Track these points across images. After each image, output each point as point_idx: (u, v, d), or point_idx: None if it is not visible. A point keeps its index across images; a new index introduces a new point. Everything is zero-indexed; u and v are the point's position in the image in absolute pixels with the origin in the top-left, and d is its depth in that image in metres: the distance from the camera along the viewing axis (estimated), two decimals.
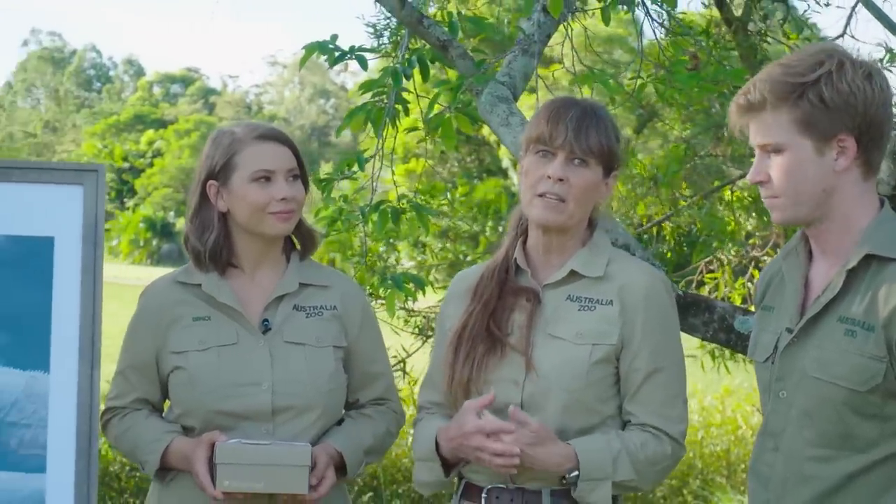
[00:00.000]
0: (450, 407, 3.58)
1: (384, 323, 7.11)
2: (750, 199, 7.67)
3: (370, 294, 6.44)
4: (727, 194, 7.82)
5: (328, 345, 3.76)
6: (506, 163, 24.25)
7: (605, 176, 3.46)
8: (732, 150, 7.88)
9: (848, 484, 2.89)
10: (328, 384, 3.73)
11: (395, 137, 5.85)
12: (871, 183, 2.98)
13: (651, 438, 3.39)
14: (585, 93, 6.39)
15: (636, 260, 3.64)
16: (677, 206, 7.96)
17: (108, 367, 3.87)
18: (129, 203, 64.41)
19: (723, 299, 7.14)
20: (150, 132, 70.79)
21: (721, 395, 12.10)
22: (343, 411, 3.88)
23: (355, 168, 5.56)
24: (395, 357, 7.66)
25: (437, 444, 3.53)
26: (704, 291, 7.80)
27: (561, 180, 3.38)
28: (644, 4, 5.57)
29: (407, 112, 5.69)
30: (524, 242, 3.57)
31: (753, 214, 7.81)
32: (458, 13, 5.97)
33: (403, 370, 7.65)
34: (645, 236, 7.83)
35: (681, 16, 6.65)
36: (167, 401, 3.86)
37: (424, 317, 7.97)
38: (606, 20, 5.17)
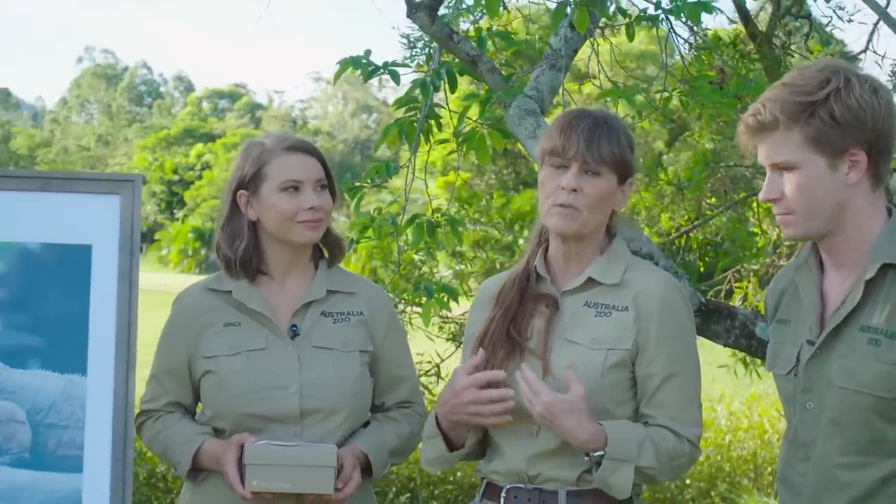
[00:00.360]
0: None
1: (419, 329, 7.13)
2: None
3: (405, 301, 6.45)
4: (753, 205, 7.79)
5: (354, 349, 3.77)
6: None
7: (619, 184, 3.45)
8: (755, 160, 7.84)
9: (881, 488, 2.88)
10: (354, 387, 3.74)
11: (428, 152, 5.86)
12: (880, 193, 2.97)
13: (671, 435, 3.38)
14: (613, 107, 6.40)
15: (653, 268, 3.63)
16: (703, 215, 7.94)
17: (148, 372, 3.90)
18: (179, 214, 64.66)
19: (751, 308, 7.11)
20: (199, 146, 71.05)
21: (748, 401, 12.06)
22: (369, 414, 3.88)
23: (384, 176, 5.57)
24: (429, 362, 7.68)
25: (438, 421, 3.54)
26: (734, 301, 7.78)
27: (574, 190, 3.38)
28: (668, 20, 5.55)
29: (440, 127, 5.70)
30: (545, 252, 3.57)
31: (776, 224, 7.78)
32: (488, 29, 5.98)
33: (438, 374, 7.66)
34: (673, 247, 7.81)
35: (709, 31, 6.65)
36: (199, 404, 3.87)
37: (458, 323, 7.98)
38: (631, 36, 5.16)
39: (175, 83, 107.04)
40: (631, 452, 3.30)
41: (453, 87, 5.45)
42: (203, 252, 57.52)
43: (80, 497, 3.38)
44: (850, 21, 7.54)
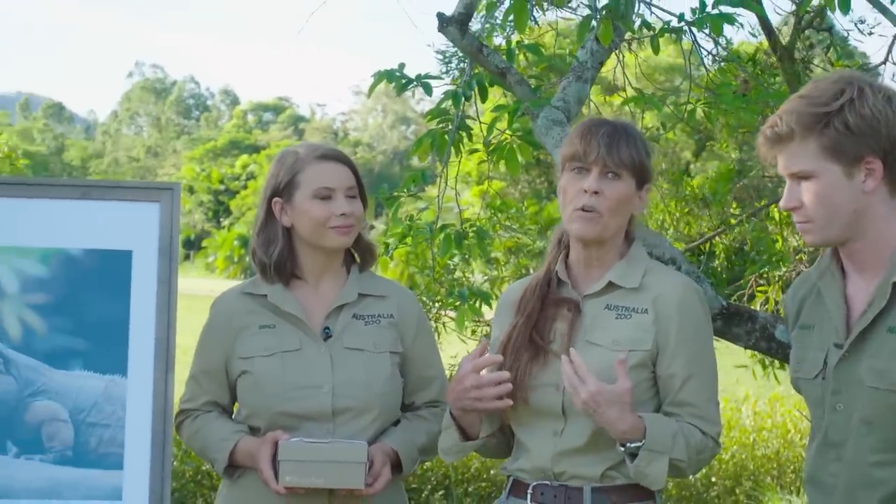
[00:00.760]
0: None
1: (452, 332, 7.13)
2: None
3: (441, 304, 6.44)
4: (775, 212, 7.76)
5: (385, 350, 3.77)
6: None
7: (637, 188, 3.45)
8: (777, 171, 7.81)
9: None
10: (384, 387, 3.74)
11: (458, 163, 5.86)
12: None
13: (696, 430, 3.37)
14: (639, 116, 6.38)
15: (671, 271, 3.62)
16: (727, 223, 7.92)
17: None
18: (225, 222, 64.80)
19: (773, 313, 7.08)
20: (245, 157, 71.20)
21: (771, 401, 12.03)
22: (399, 413, 3.87)
23: (420, 184, 5.58)
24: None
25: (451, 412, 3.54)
26: (755, 305, 7.75)
27: (596, 193, 3.37)
28: (691, 33, 5.53)
29: (470, 138, 5.70)
30: (566, 257, 3.56)
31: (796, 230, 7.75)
32: (518, 43, 5.98)
33: None
34: (701, 256, 7.79)
35: (735, 45, 6.63)
36: (235, 403, 3.88)
37: (490, 325, 7.97)
38: (656, 49, 5.15)
39: (221, 96, 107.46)
40: (666, 444, 3.29)
41: (483, 96, 5.45)
42: (248, 259, 57.61)
43: (120, 493, 3.40)
44: (870, 34, 7.51)
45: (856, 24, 7.62)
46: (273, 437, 3.61)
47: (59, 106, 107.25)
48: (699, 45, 5.92)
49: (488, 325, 8.07)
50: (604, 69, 6.11)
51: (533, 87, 5.41)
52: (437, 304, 6.89)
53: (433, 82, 5.47)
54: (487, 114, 5.85)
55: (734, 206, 8.21)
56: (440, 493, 10.43)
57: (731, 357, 6.96)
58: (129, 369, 3.44)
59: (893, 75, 7.03)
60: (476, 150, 5.92)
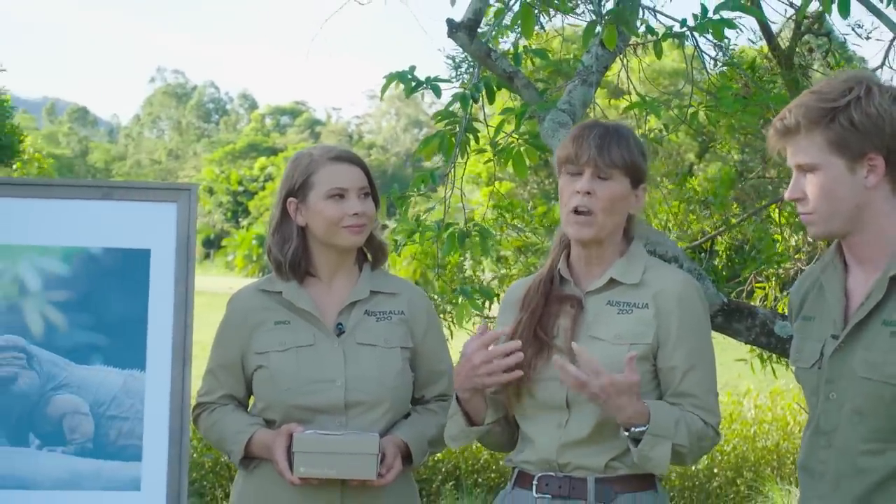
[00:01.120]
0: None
1: (462, 329, 7.11)
2: (796, 216, 7.59)
3: (450, 301, 6.43)
4: (775, 213, 7.74)
5: (396, 346, 3.77)
6: None
7: (633, 188, 3.44)
8: (779, 170, 7.81)
9: None
10: (395, 381, 3.74)
11: (465, 164, 5.85)
12: None
13: (697, 418, 3.37)
14: (642, 120, 6.36)
15: (670, 268, 3.61)
16: (729, 223, 7.90)
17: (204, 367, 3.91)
18: (244, 222, 64.83)
19: (772, 309, 7.07)
20: (263, 159, 71.18)
21: (772, 395, 12.02)
22: (410, 406, 3.87)
23: (430, 184, 5.57)
24: None
25: (458, 398, 3.53)
26: (755, 301, 7.73)
27: (588, 193, 3.38)
28: (694, 38, 5.52)
29: (477, 140, 5.69)
30: (568, 256, 3.56)
31: (801, 232, 7.74)
32: (525, 48, 5.97)
33: None
34: (701, 254, 7.77)
35: (735, 49, 6.61)
36: (251, 397, 3.87)
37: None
38: (658, 53, 5.14)
39: (240, 101, 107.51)
40: (669, 430, 3.29)
41: (491, 98, 5.44)
42: (265, 257, 57.60)
43: (139, 484, 3.40)
44: (867, 38, 7.48)
45: (853, 29, 7.60)
46: (288, 430, 3.61)
47: (84, 110, 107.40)
48: (701, 50, 5.91)
49: (494, 320, 8.08)
50: (609, 73, 6.10)
51: (539, 90, 5.40)
52: (448, 302, 6.88)
53: (442, 85, 5.46)
54: (496, 117, 5.85)
55: (735, 207, 8.19)
56: (450, 483, 10.43)
57: (731, 352, 6.94)
58: (148, 364, 3.44)
59: (891, 78, 6.99)
60: (483, 151, 5.91)
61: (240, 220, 65.95)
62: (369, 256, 3.91)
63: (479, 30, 5.40)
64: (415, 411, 3.86)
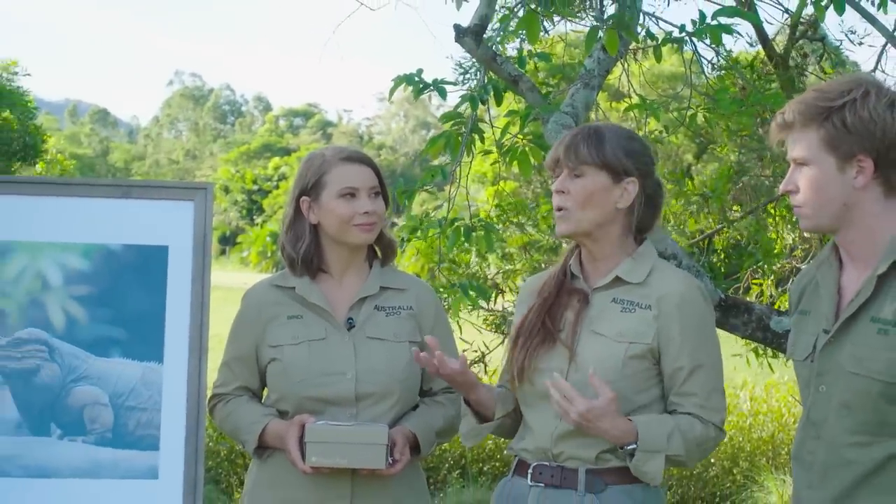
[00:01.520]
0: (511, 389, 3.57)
1: (469, 323, 7.09)
2: (792, 215, 7.58)
3: (443, 293, 6.43)
4: (772, 211, 7.74)
5: (405, 340, 3.75)
6: None
7: (614, 182, 3.41)
8: (774, 168, 7.80)
9: (885, 465, 2.84)
10: (404, 374, 3.73)
11: (471, 163, 5.85)
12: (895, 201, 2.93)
13: (697, 422, 3.34)
14: (642, 121, 6.36)
15: (676, 270, 3.56)
16: (727, 221, 7.90)
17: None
18: (258, 220, 64.83)
19: (768, 305, 7.07)
20: (276, 159, 71.17)
21: (767, 388, 12.02)
22: (418, 398, 3.86)
23: (439, 180, 5.57)
24: (476, 352, 7.66)
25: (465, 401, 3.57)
26: (751, 297, 7.72)
27: (562, 192, 3.40)
28: (692, 43, 5.51)
29: (483, 140, 5.69)
30: (580, 254, 3.55)
31: (797, 231, 7.74)
32: (529, 51, 5.97)
33: (483, 363, 7.64)
34: (696, 249, 7.78)
35: (732, 53, 6.60)
36: (265, 388, 3.86)
37: (501, 315, 7.97)
38: (658, 57, 5.12)
39: (255, 103, 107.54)
40: (660, 444, 3.27)
41: (499, 100, 5.44)
42: (278, 253, 57.53)
43: (157, 472, 3.40)
44: (860, 44, 7.49)
45: (847, 35, 7.60)
46: (300, 421, 3.60)
47: (105, 112, 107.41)
48: (700, 55, 5.91)
49: (499, 314, 8.08)
50: (611, 77, 6.10)
51: (543, 93, 5.40)
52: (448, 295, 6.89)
53: (448, 88, 5.46)
54: (501, 119, 5.85)
55: (735, 207, 8.19)
56: (456, 472, 10.44)
57: (728, 347, 6.94)
58: (165, 357, 3.44)
59: (883, 82, 6.97)
60: (489, 152, 5.91)
61: (254, 217, 65.95)
62: (379, 253, 3.89)
63: (486, 35, 5.41)
64: (423, 403, 3.85)
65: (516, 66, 5.45)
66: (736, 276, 8.04)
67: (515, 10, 5.96)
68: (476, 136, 5.53)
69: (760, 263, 7.59)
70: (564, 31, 7.44)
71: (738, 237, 7.97)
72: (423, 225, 5.61)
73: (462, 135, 5.45)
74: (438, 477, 10.34)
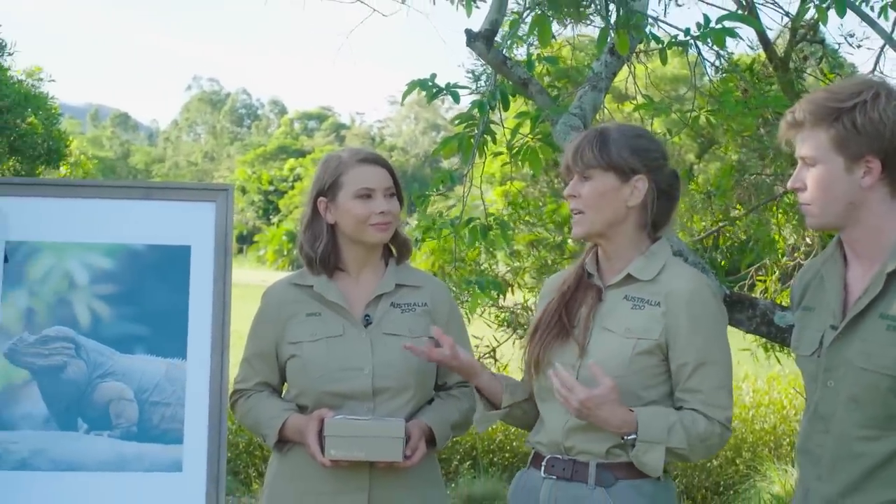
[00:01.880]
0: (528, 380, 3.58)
1: (479, 318, 7.07)
2: (794, 213, 7.56)
3: (460, 290, 6.42)
4: (774, 209, 7.71)
5: (420, 335, 3.73)
6: None
7: (622, 181, 3.39)
8: (775, 167, 7.77)
9: (893, 458, 2.83)
10: (419, 369, 3.71)
11: (482, 164, 5.85)
12: None
13: (702, 418, 3.31)
14: (648, 122, 6.34)
15: (687, 268, 3.52)
16: (730, 219, 7.88)
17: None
18: (274, 219, 64.90)
19: (770, 300, 7.04)
20: (292, 161, 71.22)
21: (769, 380, 12.00)
22: (433, 392, 3.85)
23: (448, 184, 5.58)
24: (486, 346, 7.65)
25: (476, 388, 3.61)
26: (756, 293, 7.70)
27: (573, 196, 3.40)
28: (696, 45, 5.49)
29: (495, 142, 5.68)
30: (597, 252, 3.54)
31: (800, 230, 7.71)
32: (538, 55, 5.96)
33: (494, 357, 7.63)
34: (699, 247, 7.75)
35: (733, 56, 6.58)
36: (285, 384, 3.85)
37: (512, 312, 7.95)
38: (664, 60, 5.10)
39: (270, 106, 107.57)
40: (661, 435, 3.25)
41: (506, 104, 5.43)
42: (295, 252, 57.63)
43: (180, 465, 3.39)
44: (858, 46, 7.46)
45: (845, 38, 7.57)
46: (319, 415, 3.59)
47: (126, 116, 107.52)
48: (703, 58, 5.88)
49: (510, 311, 8.06)
50: (615, 79, 6.08)
51: (552, 96, 5.39)
52: (465, 292, 6.88)
53: (460, 91, 5.45)
54: (510, 120, 5.84)
55: (736, 204, 8.16)
56: (468, 463, 10.41)
57: (734, 342, 6.91)
58: (188, 353, 3.43)
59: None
60: (500, 153, 5.90)
61: (271, 217, 66.06)
62: (394, 252, 3.89)
63: (496, 39, 5.39)
64: (438, 397, 3.84)
65: (525, 69, 5.44)
66: (739, 275, 8.01)
67: (524, 15, 5.95)
68: (488, 138, 5.52)
69: (763, 261, 7.56)
70: (572, 34, 7.44)
71: (743, 235, 7.94)
72: (436, 224, 5.60)
73: (474, 136, 5.45)
74: (450, 468, 10.31)
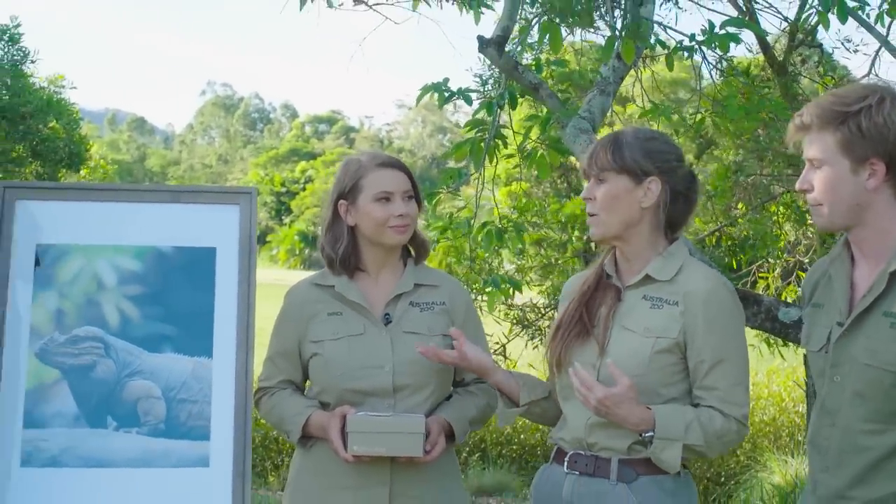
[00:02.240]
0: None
1: (489, 316, 7.06)
2: (793, 212, 7.56)
3: (476, 290, 6.43)
4: (773, 208, 7.71)
5: (438, 334, 3.73)
6: None
7: (636, 183, 3.38)
8: (773, 168, 7.78)
9: None
10: (438, 366, 3.70)
11: (494, 167, 5.85)
12: None
13: (719, 415, 3.29)
14: (653, 125, 6.33)
15: (705, 268, 3.49)
16: (731, 218, 7.88)
17: (265, 355, 3.88)
18: (286, 220, 65.00)
19: (774, 296, 7.04)
20: (303, 163, 71.35)
21: (769, 373, 12.01)
22: (451, 389, 3.84)
23: (456, 181, 5.58)
24: (497, 343, 7.65)
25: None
26: (758, 289, 7.70)
27: (589, 199, 3.39)
28: (701, 51, 5.49)
29: (506, 145, 5.68)
30: (615, 254, 3.53)
31: (801, 228, 7.71)
32: (547, 60, 5.96)
33: (504, 354, 7.63)
34: (700, 246, 7.75)
35: (734, 59, 6.57)
36: (308, 381, 3.84)
37: (521, 310, 7.96)
38: (670, 65, 5.09)
39: (282, 110, 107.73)
40: (678, 432, 3.23)
41: (514, 105, 5.43)
42: (307, 251, 57.81)
43: (207, 461, 3.37)
44: (855, 51, 7.46)
45: (842, 43, 7.57)
46: (341, 412, 3.59)
47: (142, 120, 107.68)
48: (708, 62, 5.88)
49: (520, 309, 8.05)
50: None
51: (562, 100, 5.38)
52: (473, 291, 6.88)
53: (471, 95, 5.45)
54: (517, 123, 5.85)
55: (737, 204, 8.16)
56: (477, 455, 10.43)
57: None
58: (214, 352, 3.41)
59: None
60: (511, 156, 5.90)
61: (283, 217, 66.16)
62: (413, 252, 3.88)
63: (507, 46, 5.39)
64: (456, 393, 3.83)
65: (537, 75, 5.43)
66: (741, 272, 8.01)
67: (532, 22, 5.95)
68: (499, 142, 5.52)
69: (764, 258, 7.56)
70: (579, 40, 7.44)
71: (745, 233, 7.94)
72: (451, 225, 5.61)
73: (485, 140, 5.44)
74: (460, 460, 10.32)
